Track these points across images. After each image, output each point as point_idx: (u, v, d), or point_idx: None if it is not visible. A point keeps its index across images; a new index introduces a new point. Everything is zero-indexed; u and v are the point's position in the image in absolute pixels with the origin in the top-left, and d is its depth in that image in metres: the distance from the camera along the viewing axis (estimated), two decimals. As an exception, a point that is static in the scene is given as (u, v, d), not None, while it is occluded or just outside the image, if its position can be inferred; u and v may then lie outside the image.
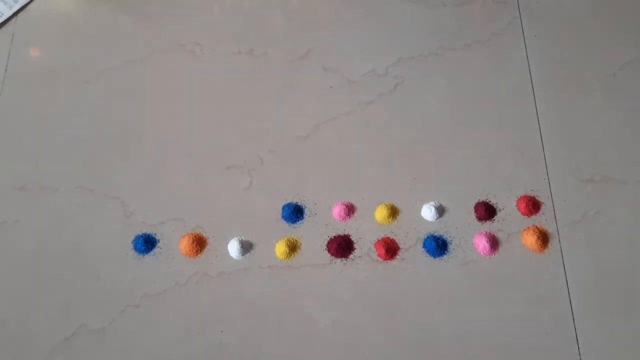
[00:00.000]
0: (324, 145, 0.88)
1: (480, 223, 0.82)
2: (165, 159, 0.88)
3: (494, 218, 0.82)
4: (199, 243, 0.81)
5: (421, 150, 0.87)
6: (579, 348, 0.74)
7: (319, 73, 0.94)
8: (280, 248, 0.80)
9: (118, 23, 1.00)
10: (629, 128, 0.88)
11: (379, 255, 0.80)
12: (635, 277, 0.78)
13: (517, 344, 0.75)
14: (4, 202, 0.85)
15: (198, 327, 0.77)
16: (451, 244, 0.81)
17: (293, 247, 0.81)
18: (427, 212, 0.82)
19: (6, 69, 0.95)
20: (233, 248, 0.80)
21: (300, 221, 0.83)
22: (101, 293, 0.79)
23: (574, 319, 0.76)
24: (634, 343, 0.75)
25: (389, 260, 0.80)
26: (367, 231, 0.82)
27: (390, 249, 0.80)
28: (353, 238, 0.81)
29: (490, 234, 0.81)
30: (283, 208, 0.84)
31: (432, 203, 0.83)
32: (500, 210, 0.83)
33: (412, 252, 0.80)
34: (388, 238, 0.81)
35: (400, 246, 0.81)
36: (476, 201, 0.83)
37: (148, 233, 0.82)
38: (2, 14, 0.99)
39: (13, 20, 1.00)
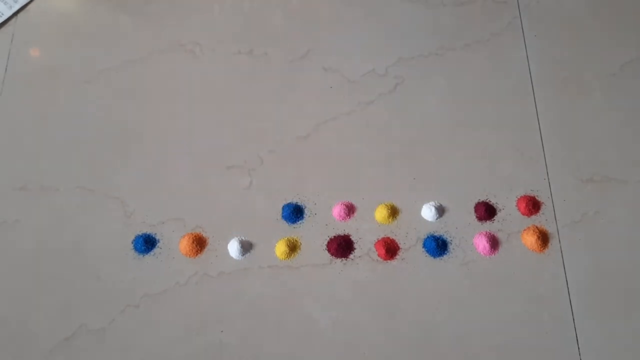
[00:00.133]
0: (324, 145, 0.88)
1: (480, 223, 0.82)
2: (165, 159, 0.88)
3: (494, 218, 0.82)
4: (199, 243, 0.81)
5: (421, 150, 0.87)
6: (579, 348, 0.74)
7: (319, 73, 0.94)
8: (280, 248, 0.80)
9: (118, 23, 1.00)
10: (629, 128, 0.88)
11: (379, 255, 0.80)
12: (635, 277, 0.78)
13: (517, 344, 0.75)
14: (4, 202, 0.85)
15: (198, 327, 0.77)
16: (451, 244, 0.81)
17: (293, 247, 0.81)
18: (427, 212, 0.82)
19: (6, 69, 0.95)
20: (233, 248, 0.80)
21: (300, 221, 0.83)
22: (101, 293, 0.79)
23: (574, 319, 0.76)
24: (634, 343, 0.75)
25: (389, 260, 0.80)
26: (367, 231, 0.82)
27: (390, 249, 0.80)
28: (353, 238, 0.81)
29: (490, 234, 0.81)
30: (283, 208, 0.84)
31: (432, 203, 0.83)
32: (500, 210, 0.83)
33: (412, 252, 0.80)
34: (388, 238, 0.81)
35: (400, 246, 0.81)
36: (476, 201, 0.83)
37: (148, 233, 0.82)
38: (2, 14, 1.00)
39: (13, 20, 1.00)
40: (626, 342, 0.75)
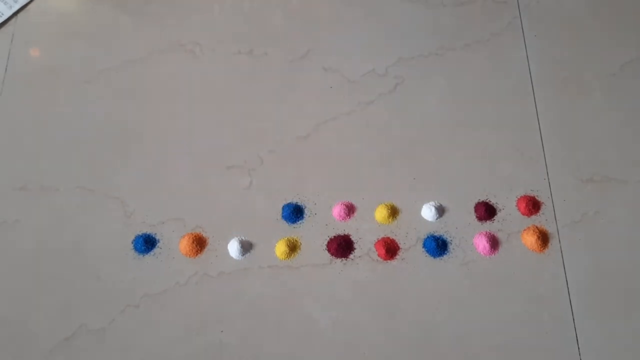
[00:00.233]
0: (324, 145, 0.88)
1: (480, 223, 0.82)
2: (165, 159, 0.88)
3: (494, 218, 0.82)
4: (199, 243, 0.81)
5: (421, 150, 0.87)
6: (579, 348, 0.74)
7: (319, 73, 0.94)
8: (280, 248, 0.80)
9: (118, 23, 1.00)
10: (629, 128, 0.88)
11: (379, 255, 0.80)
12: (635, 277, 0.78)
13: (517, 344, 0.75)
14: (4, 202, 0.85)
15: (198, 327, 0.77)
16: (451, 244, 0.81)
17: (293, 247, 0.81)
18: (427, 212, 0.82)
19: (6, 69, 0.95)
20: (233, 248, 0.80)
21: (300, 221, 0.83)
22: (101, 293, 0.79)
23: (574, 319, 0.76)
24: (634, 343, 0.75)
25: (389, 260, 0.80)
26: (367, 231, 0.82)
27: (390, 249, 0.80)
28: (353, 238, 0.81)
29: (490, 234, 0.81)
30: (283, 208, 0.84)
31: (432, 203, 0.83)
32: (500, 210, 0.83)
33: (412, 252, 0.80)
34: (388, 238, 0.81)
35: (400, 246, 0.81)
36: (476, 201, 0.83)
37: (148, 233, 0.82)
38: (2, 14, 0.99)
39: (13, 20, 1.00)
40: (626, 342, 0.75)
